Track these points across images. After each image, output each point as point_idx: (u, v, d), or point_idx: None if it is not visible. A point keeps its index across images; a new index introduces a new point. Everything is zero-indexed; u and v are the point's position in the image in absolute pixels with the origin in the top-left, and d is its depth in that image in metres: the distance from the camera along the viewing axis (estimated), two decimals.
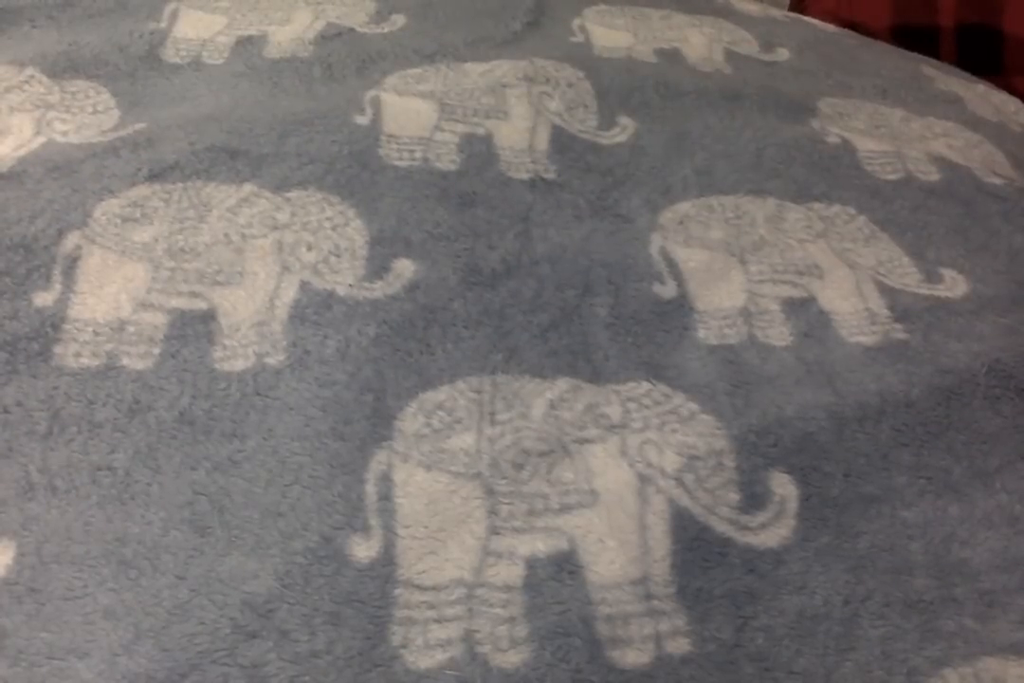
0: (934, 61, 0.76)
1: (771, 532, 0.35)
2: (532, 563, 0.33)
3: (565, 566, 0.33)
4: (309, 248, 0.45)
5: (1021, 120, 0.68)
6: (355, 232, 0.46)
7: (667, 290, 0.45)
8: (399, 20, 0.66)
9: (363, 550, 0.33)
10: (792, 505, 0.36)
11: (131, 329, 0.40)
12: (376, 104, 0.55)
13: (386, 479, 0.35)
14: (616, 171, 0.53)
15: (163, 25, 0.62)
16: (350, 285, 0.43)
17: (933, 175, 0.55)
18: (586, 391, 0.39)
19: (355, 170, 0.49)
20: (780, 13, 0.80)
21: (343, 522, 0.33)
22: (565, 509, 0.35)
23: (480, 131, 0.54)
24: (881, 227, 0.51)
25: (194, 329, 0.40)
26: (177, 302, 0.42)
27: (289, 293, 0.42)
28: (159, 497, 0.34)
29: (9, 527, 0.32)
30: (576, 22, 0.69)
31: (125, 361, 0.39)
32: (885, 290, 0.46)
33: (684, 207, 0.51)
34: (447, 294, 0.43)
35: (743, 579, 0.33)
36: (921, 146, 0.57)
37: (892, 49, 0.76)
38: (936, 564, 0.34)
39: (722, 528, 0.35)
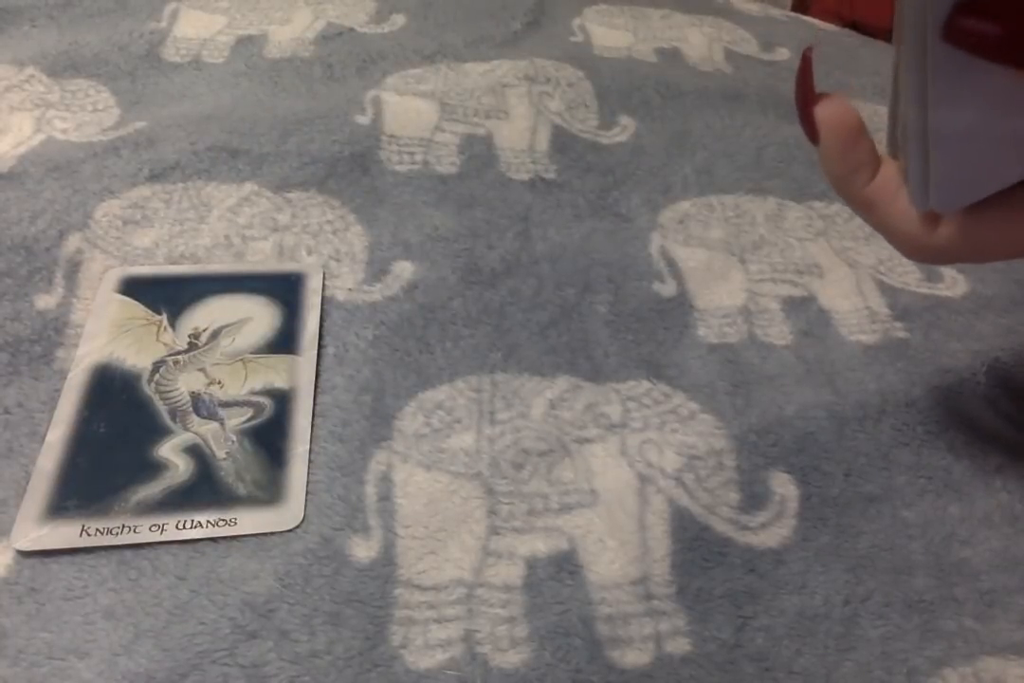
0: None
1: (771, 532, 0.35)
2: (532, 563, 0.33)
3: (565, 566, 0.33)
4: (309, 252, 0.45)
5: None
6: (355, 237, 0.46)
7: (667, 288, 0.45)
8: (399, 20, 0.66)
9: (363, 550, 0.33)
10: (792, 505, 0.36)
11: None
12: (377, 104, 0.55)
13: (386, 479, 0.35)
14: (616, 170, 0.53)
15: (163, 25, 0.62)
16: (349, 289, 0.43)
17: None
18: (586, 390, 0.39)
19: (356, 174, 0.50)
20: (780, 13, 0.80)
21: (343, 523, 0.33)
22: (565, 509, 0.35)
23: (480, 131, 0.54)
24: None
25: None
26: None
27: None
28: None
29: (10, 527, 0.32)
30: (576, 22, 0.69)
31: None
32: (885, 289, 0.46)
33: (684, 206, 0.51)
34: (446, 293, 0.43)
35: (743, 579, 0.33)
36: None
37: (893, 48, 0.76)
38: (936, 564, 0.34)
39: (722, 528, 0.35)
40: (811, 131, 0.29)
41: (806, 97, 0.29)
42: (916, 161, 0.26)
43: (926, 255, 0.29)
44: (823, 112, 0.29)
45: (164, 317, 0.40)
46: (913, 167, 0.27)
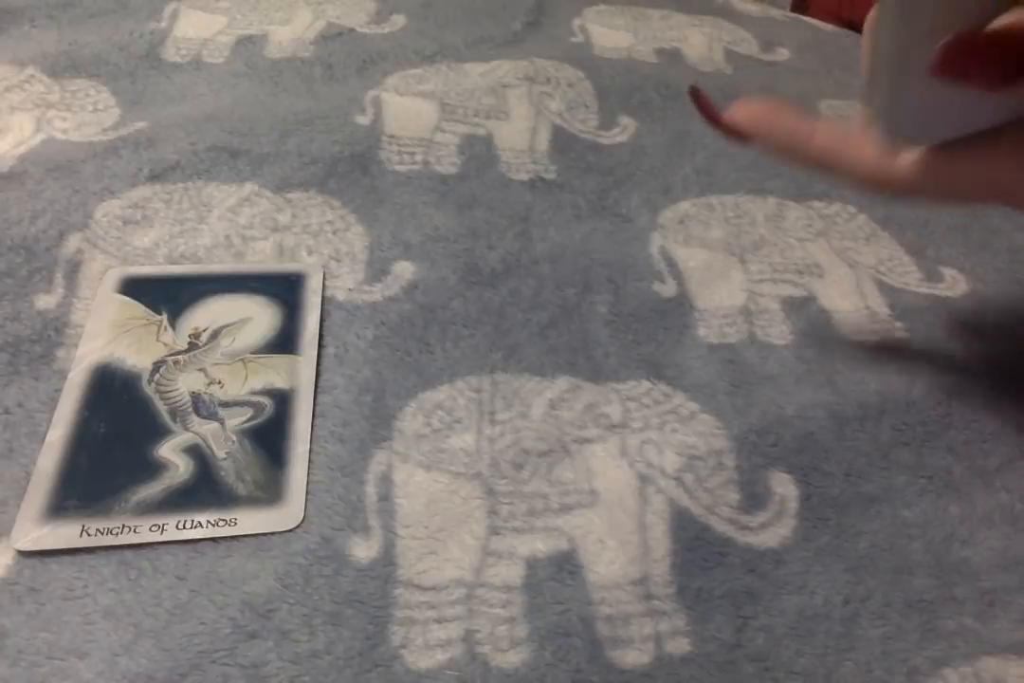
0: None
1: (771, 532, 0.35)
2: (532, 563, 0.33)
3: (565, 566, 0.33)
4: (309, 252, 0.45)
5: None
6: (355, 237, 0.46)
7: (667, 289, 0.45)
8: (399, 20, 0.66)
9: (363, 550, 0.33)
10: (792, 505, 0.36)
11: None
12: (377, 104, 0.55)
13: (386, 479, 0.35)
14: (616, 171, 0.53)
15: (163, 25, 0.62)
16: (349, 290, 0.43)
17: None
18: (586, 390, 0.39)
19: (356, 174, 0.50)
20: (780, 13, 0.80)
21: (343, 523, 0.33)
22: (565, 509, 0.35)
23: (481, 131, 0.54)
24: (881, 226, 0.51)
25: None
26: None
27: None
28: None
29: (10, 527, 0.32)
30: (576, 22, 0.69)
31: None
32: (885, 289, 0.46)
33: (684, 206, 0.51)
34: (446, 293, 0.43)
35: (743, 579, 0.33)
36: None
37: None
38: (936, 563, 0.34)
39: (722, 528, 0.35)
40: (739, 134, 0.33)
41: (716, 118, 0.34)
42: (887, 91, 0.27)
43: (891, 188, 0.30)
44: (734, 115, 0.33)
45: (164, 317, 0.40)
46: (884, 98, 0.28)
